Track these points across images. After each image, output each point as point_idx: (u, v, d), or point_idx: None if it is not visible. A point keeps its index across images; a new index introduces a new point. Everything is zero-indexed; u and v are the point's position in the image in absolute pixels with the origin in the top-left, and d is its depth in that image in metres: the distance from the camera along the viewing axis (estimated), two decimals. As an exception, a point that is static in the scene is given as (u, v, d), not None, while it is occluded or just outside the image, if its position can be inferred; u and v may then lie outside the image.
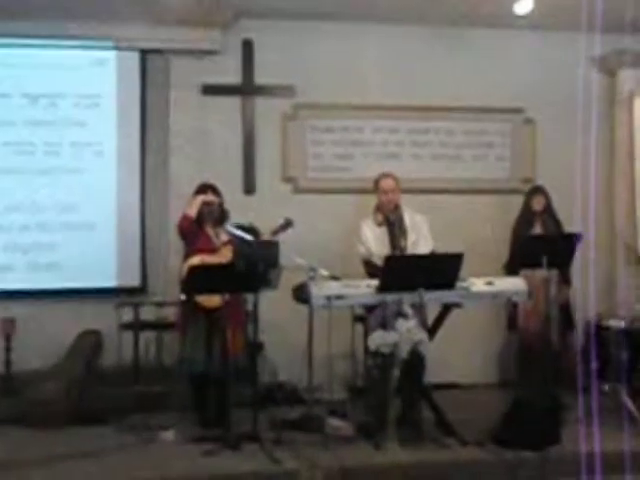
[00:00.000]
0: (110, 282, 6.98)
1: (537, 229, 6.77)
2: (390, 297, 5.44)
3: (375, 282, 5.56)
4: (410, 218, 6.12)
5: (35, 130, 6.92)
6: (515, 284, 5.84)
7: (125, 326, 6.40)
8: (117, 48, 7.01)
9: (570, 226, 6.59)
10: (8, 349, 6.53)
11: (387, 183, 6.14)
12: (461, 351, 7.12)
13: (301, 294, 5.75)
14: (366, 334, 5.99)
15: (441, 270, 5.48)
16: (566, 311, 6.77)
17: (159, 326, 6.49)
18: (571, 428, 5.39)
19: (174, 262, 6.54)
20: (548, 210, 6.82)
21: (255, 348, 5.88)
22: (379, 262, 5.92)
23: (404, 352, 5.24)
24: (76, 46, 6.95)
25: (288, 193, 7.25)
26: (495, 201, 7.45)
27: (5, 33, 6.74)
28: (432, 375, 5.99)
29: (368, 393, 6.01)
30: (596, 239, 6.34)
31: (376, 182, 6.20)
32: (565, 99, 7.37)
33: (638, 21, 6.09)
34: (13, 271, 6.85)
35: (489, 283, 5.72)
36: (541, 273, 6.09)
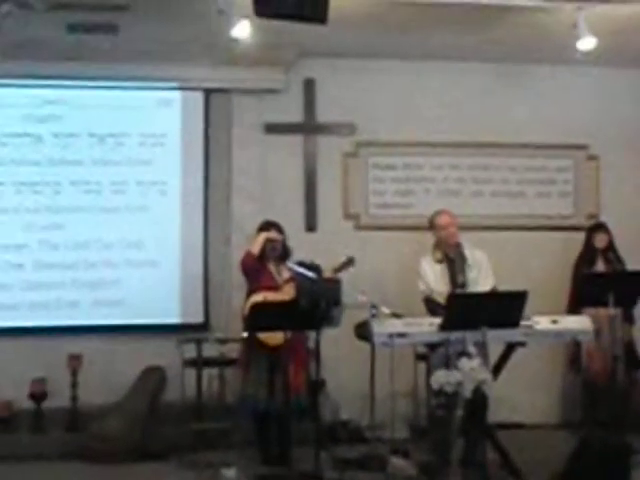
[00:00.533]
0: (173, 319, 7.05)
1: (599, 266, 6.69)
2: (453, 335, 5.40)
3: (437, 320, 5.54)
4: (470, 254, 6.08)
5: (102, 169, 7.06)
6: (580, 323, 5.76)
7: (188, 362, 6.45)
8: (182, 88, 7.14)
9: (632, 264, 6.51)
10: (74, 384, 6.62)
11: (444, 219, 6.11)
12: (524, 390, 7.01)
13: (363, 332, 5.75)
14: (428, 373, 5.94)
15: (505, 308, 5.43)
16: (630, 350, 6.64)
17: (222, 363, 6.52)
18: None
19: (237, 299, 6.59)
20: (610, 247, 6.74)
21: (317, 386, 5.86)
22: (439, 299, 5.91)
23: (468, 392, 5.18)
24: (142, 87, 7.10)
25: (350, 230, 7.27)
26: (558, 238, 7.36)
27: (74, 75, 6.89)
28: (495, 415, 5.92)
29: (431, 433, 5.94)
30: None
31: (431, 220, 6.18)
32: (629, 135, 7.37)
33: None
34: (79, 307, 6.96)
35: (554, 322, 5.66)
36: (606, 311, 5.99)
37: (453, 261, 6.02)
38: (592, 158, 7.52)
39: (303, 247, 6.42)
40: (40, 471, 5.87)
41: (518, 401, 6.96)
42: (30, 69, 6.78)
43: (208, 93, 7.21)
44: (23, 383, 6.54)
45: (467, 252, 6.06)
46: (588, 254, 6.75)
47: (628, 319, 6.49)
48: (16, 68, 6.74)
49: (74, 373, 6.62)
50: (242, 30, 5.73)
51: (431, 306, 5.99)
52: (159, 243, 7.10)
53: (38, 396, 6.57)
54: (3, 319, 6.86)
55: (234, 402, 6.30)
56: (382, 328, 5.53)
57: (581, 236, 6.96)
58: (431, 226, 6.17)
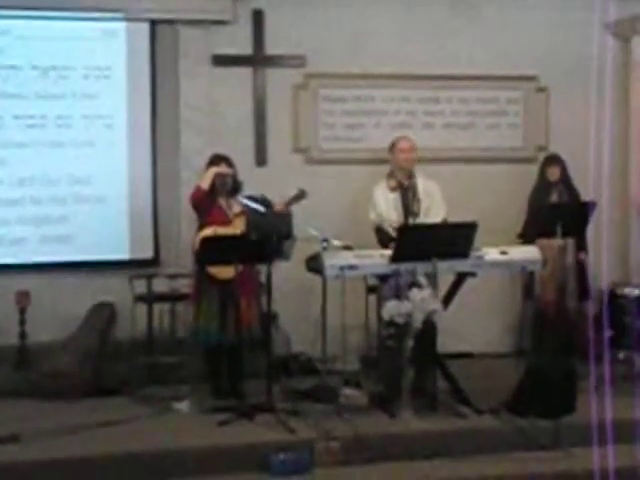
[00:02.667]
0: (123, 254, 6.98)
1: (554, 198, 6.73)
2: (404, 267, 5.44)
3: (388, 252, 5.56)
4: (423, 184, 6.11)
5: (46, 103, 6.88)
6: (529, 253, 5.83)
7: (139, 298, 6.41)
8: (127, 19, 6.95)
9: (585, 195, 6.57)
10: (22, 322, 6.54)
11: (405, 143, 6.18)
12: (476, 321, 7.11)
13: (314, 265, 5.76)
14: (379, 304, 5.99)
15: (455, 239, 5.47)
16: (582, 280, 6.75)
17: (172, 298, 6.51)
18: (585, 397, 5.37)
19: (187, 234, 6.55)
20: (564, 179, 6.78)
21: (269, 319, 5.87)
22: (390, 229, 5.94)
23: (418, 322, 5.24)
24: (86, 18, 6.89)
25: (300, 164, 7.20)
26: (508, 170, 7.38)
27: (16, 5, 6.68)
28: (447, 345, 6.00)
29: (382, 363, 6.00)
30: (610, 207, 6.32)
31: (393, 144, 6.20)
32: (578, 66, 7.33)
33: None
34: (26, 244, 6.85)
35: (503, 252, 5.73)
36: (557, 241, 6.07)
37: (407, 190, 6.04)
38: (541, 90, 7.52)
39: (253, 181, 6.34)
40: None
41: (470, 331, 7.06)
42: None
43: (154, 24, 7.03)
44: (-30, 321, 6.47)
45: (420, 182, 6.08)
46: (542, 186, 6.79)
47: (582, 248, 6.60)
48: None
49: (22, 310, 6.54)
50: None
51: (381, 235, 6.03)
52: (106, 178, 6.97)
53: (-15, 334, 6.50)
54: (-53, 257, 6.74)
55: (185, 336, 6.30)
56: (333, 260, 5.54)
57: (530, 168, 7.00)
58: (391, 150, 6.17)
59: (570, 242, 6.59)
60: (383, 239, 5.99)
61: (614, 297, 6.49)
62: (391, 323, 5.30)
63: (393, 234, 5.84)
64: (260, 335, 5.94)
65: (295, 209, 5.94)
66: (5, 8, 6.70)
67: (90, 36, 6.96)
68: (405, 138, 6.23)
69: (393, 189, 6.10)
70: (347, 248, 5.86)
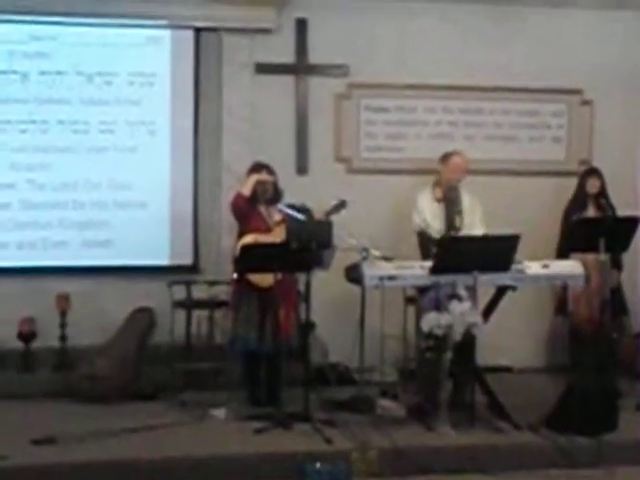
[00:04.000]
0: (163, 260, 7.01)
1: (590, 212, 6.65)
2: (444, 279, 5.40)
3: (428, 264, 5.53)
4: (467, 199, 6.10)
5: (90, 108, 6.95)
6: (571, 267, 5.77)
7: (178, 304, 6.43)
8: (171, 26, 7.00)
9: (622, 210, 6.49)
10: (63, 325, 6.60)
11: (459, 162, 6.16)
12: (511, 334, 7.02)
13: (354, 274, 5.75)
14: (418, 316, 5.95)
15: (496, 252, 5.43)
16: (618, 296, 6.63)
17: (211, 304, 6.50)
18: (628, 415, 5.29)
19: (227, 241, 6.57)
20: (603, 193, 6.70)
21: (307, 328, 5.86)
22: (434, 234, 5.91)
23: (458, 334, 5.20)
24: (131, 25, 6.95)
25: (341, 173, 7.19)
26: (550, 183, 7.30)
27: (61, 11, 6.76)
28: (483, 358, 5.95)
29: (420, 375, 5.96)
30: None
31: (446, 157, 6.19)
32: (624, 80, 7.29)
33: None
34: (68, 247, 6.91)
35: (545, 266, 5.68)
36: (594, 257, 5.99)
37: (451, 202, 6.02)
38: (586, 103, 7.44)
39: (294, 190, 6.35)
40: (29, 410, 5.87)
41: (505, 345, 6.99)
42: (17, 3, 6.65)
43: (198, 32, 7.07)
44: (11, 323, 6.51)
45: (465, 196, 6.07)
46: (580, 199, 6.70)
47: (616, 265, 6.47)
48: (2, 2, 6.60)
49: (63, 313, 6.59)
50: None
51: (424, 240, 6.02)
52: (148, 184, 7.01)
53: (26, 335, 6.54)
54: (-10, 258, 6.82)
55: (224, 343, 6.31)
56: (373, 270, 5.54)
57: (573, 182, 6.90)
58: (442, 162, 6.16)
59: (607, 258, 6.48)
60: (426, 244, 5.97)
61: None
62: (430, 335, 5.26)
63: (436, 240, 5.83)
64: (298, 344, 5.94)
65: (335, 218, 5.92)
66: (52, 14, 6.78)
67: (135, 42, 7.02)
68: (459, 155, 6.18)
69: (438, 200, 6.09)
70: (386, 259, 5.84)
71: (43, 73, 6.90)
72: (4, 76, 6.85)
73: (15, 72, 6.86)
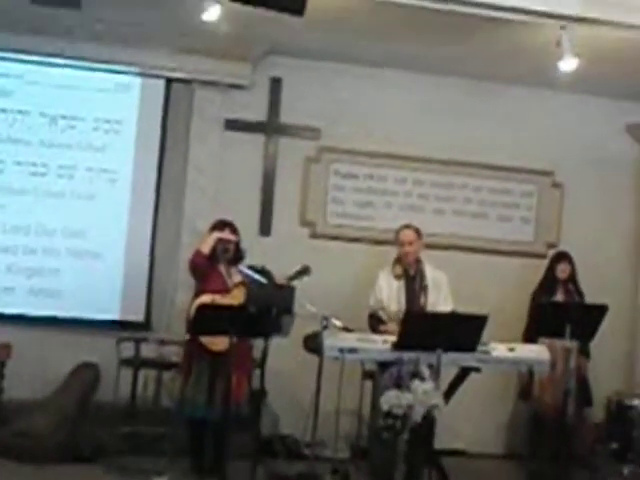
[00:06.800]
0: (113, 314, 6.74)
1: (559, 297, 6.53)
2: (407, 355, 5.20)
3: (392, 338, 5.33)
4: (431, 274, 5.91)
5: (50, 151, 6.72)
6: (538, 352, 5.64)
7: (125, 362, 6.15)
8: (143, 74, 6.84)
9: (591, 297, 6.37)
10: (1, 376, 6.25)
11: (406, 235, 5.94)
12: (469, 417, 6.80)
13: (313, 344, 5.54)
14: (375, 392, 5.74)
15: (463, 331, 5.24)
16: (583, 385, 6.47)
17: (160, 365, 6.24)
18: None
19: (182, 299, 6.34)
20: (572, 278, 6.59)
21: (261, 397, 5.61)
22: (384, 317, 5.75)
23: (418, 415, 4.96)
24: (100, 69, 6.76)
25: (305, 237, 7.03)
26: (517, 263, 7.21)
27: (28, 50, 6.56)
28: (439, 440, 5.70)
29: (374, 455, 5.71)
30: (617, 311, 6.13)
31: (397, 232, 6.01)
32: (596, 165, 7.25)
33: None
34: (14, 295, 6.62)
35: (511, 349, 5.52)
36: (562, 343, 5.84)
37: (413, 279, 5.85)
38: (557, 185, 7.39)
39: (256, 251, 6.15)
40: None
41: (462, 428, 6.75)
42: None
43: (169, 82, 6.91)
44: (-55, 369, 6.17)
45: (428, 271, 5.89)
46: (549, 283, 6.58)
47: (584, 353, 6.31)
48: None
49: (2, 364, 6.25)
50: (213, 15, 5.45)
51: (374, 322, 5.86)
52: (104, 234, 6.78)
53: (-40, 385, 6.19)
54: None
55: (170, 407, 6.02)
56: (333, 341, 5.33)
57: (541, 263, 6.80)
58: (395, 238, 5.97)
59: (575, 345, 6.33)
60: (374, 326, 5.80)
61: (620, 408, 6.22)
62: (389, 414, 5.02)
63: (385, 324, 5.70)
64: (247, 413, 5.68)
65: (297, 285, 5.71)
66: (20, 52, 6.58)
67: (103, 87, 6.85)
68: (407, 229, 5.97)
69: (398, 277, 5.90)
70: (347, 330, 5.63)
71: (4, 111, 6.68)
72: (-37, 112, 6.61)
73: (-25, 108, 6.63)
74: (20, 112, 6.70)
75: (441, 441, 5.80)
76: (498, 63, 6.62)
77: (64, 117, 6.76)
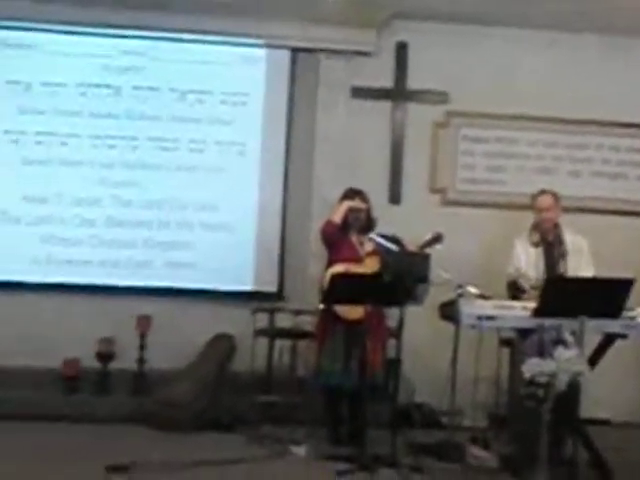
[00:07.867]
0: (247, 286, 6.78)
1: None
2: (548, 322, 5.03)
3: (531, 304, 5.17)
4: (571, 240, 5.70)
5: (181, 126, 6.80)
6: (690, 316, 5.33)
7: (260, 332, 6.19)
8: (268, 46, 6.82)
9: None
10: (142, 346, 6.42)
11: (544, 200, 5.73)
12: (614, 386, 6.56)
13: (449, 312, 5.42)
14: (512, 359, 5.60)
15: (607, 297, 5.02)
16: None
17: (295, 334, 6.25)
18: None
19: (314, 269, 6.34)
20: None
21: (399, 365, 5.54)
22: (526, 286, 5.56)
23: (563, 383, 4.80)
24: (226, 42, 6.79)
25: (435, 205, 6.90)
26: (660, 225, 6.90)
27: (155, 26, 6.65)
28: (582, 410, 5.53)
29: (515, 424, 5.57)
30: None
31: (533, 198, 5.81)
32: None
33: None
34: (151, 267, 6.74)
35: (659, 314, 5.25)
36: None
37: (551, 246, 5.65)
38: (699, 140, 7.01)
39: (385, 219, 6.06)
40: (103, 434, 5.69)
41: (606, 397, 6.52)
42: (112, 17, 6.55)
43: (295, 52, 6.88)
44: (90, 342, 6.37)
45: (567, 237, 5.68)
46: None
47: None
48: (97, 16, 6.52)
49: (142, 335, 6.41)
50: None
51: (514, 292, 5.64)
52: (235, 206, 6.81)
53: (105, 356, 6.38)
54: (72, 275, 6.68)
55: (306, 376, 6.05)
56: (471, 309, 5.19)
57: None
58: (532, 204, 5.78)
59: None
60: (516, 296, 5.61)
61: None
62: (532, 382, 4.88)
63: (528, 292, 5.48)
64: (383, 382, 5.65)
65: (429, 252, 5.62)
66: (149, 29, 6.67)
67: (230, 61, 6.86)
68: (545, 194, 5.76)
69: (536, 244, 5.71)
70: (483, 297, 5.49)
71: (136, 88, 6.78)
72: (97, 90, 6.75)
73: (108, 86, 6.76)
74: (151, 89, 6.80)
75: (584, 410, 5.64)
76: (628, 17, 6.32)
77: (193, 92, 6.82)
